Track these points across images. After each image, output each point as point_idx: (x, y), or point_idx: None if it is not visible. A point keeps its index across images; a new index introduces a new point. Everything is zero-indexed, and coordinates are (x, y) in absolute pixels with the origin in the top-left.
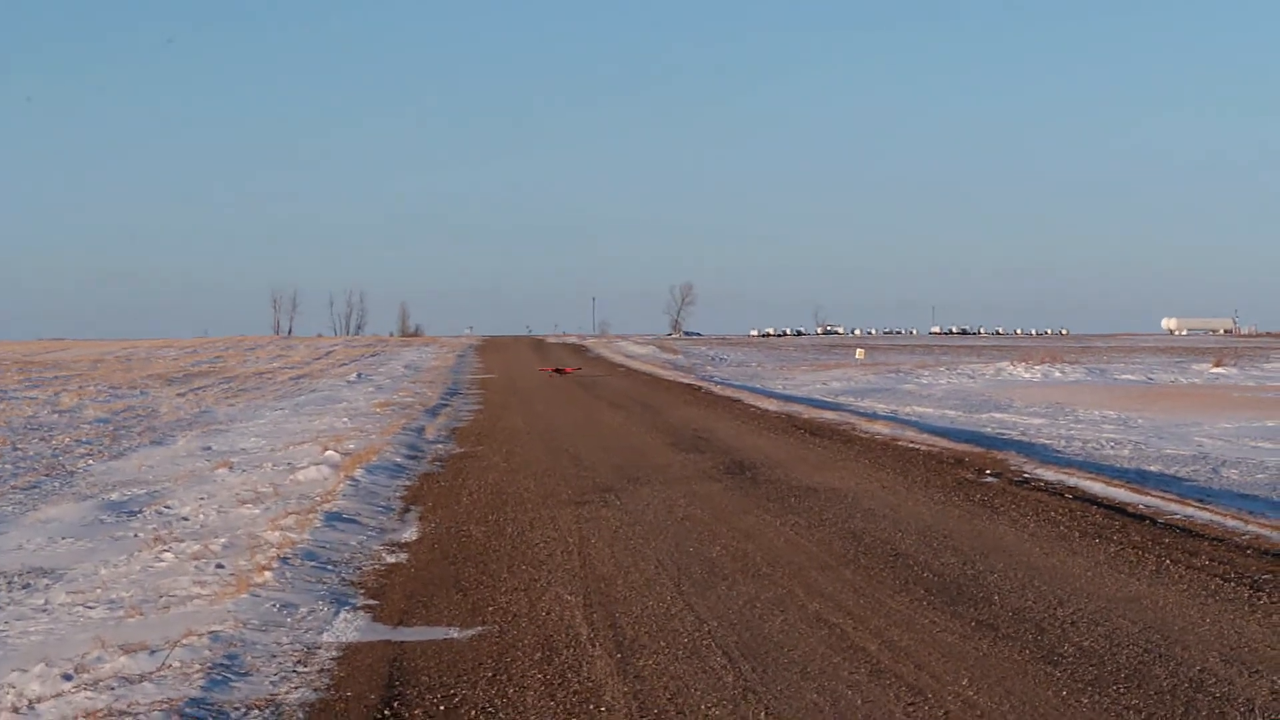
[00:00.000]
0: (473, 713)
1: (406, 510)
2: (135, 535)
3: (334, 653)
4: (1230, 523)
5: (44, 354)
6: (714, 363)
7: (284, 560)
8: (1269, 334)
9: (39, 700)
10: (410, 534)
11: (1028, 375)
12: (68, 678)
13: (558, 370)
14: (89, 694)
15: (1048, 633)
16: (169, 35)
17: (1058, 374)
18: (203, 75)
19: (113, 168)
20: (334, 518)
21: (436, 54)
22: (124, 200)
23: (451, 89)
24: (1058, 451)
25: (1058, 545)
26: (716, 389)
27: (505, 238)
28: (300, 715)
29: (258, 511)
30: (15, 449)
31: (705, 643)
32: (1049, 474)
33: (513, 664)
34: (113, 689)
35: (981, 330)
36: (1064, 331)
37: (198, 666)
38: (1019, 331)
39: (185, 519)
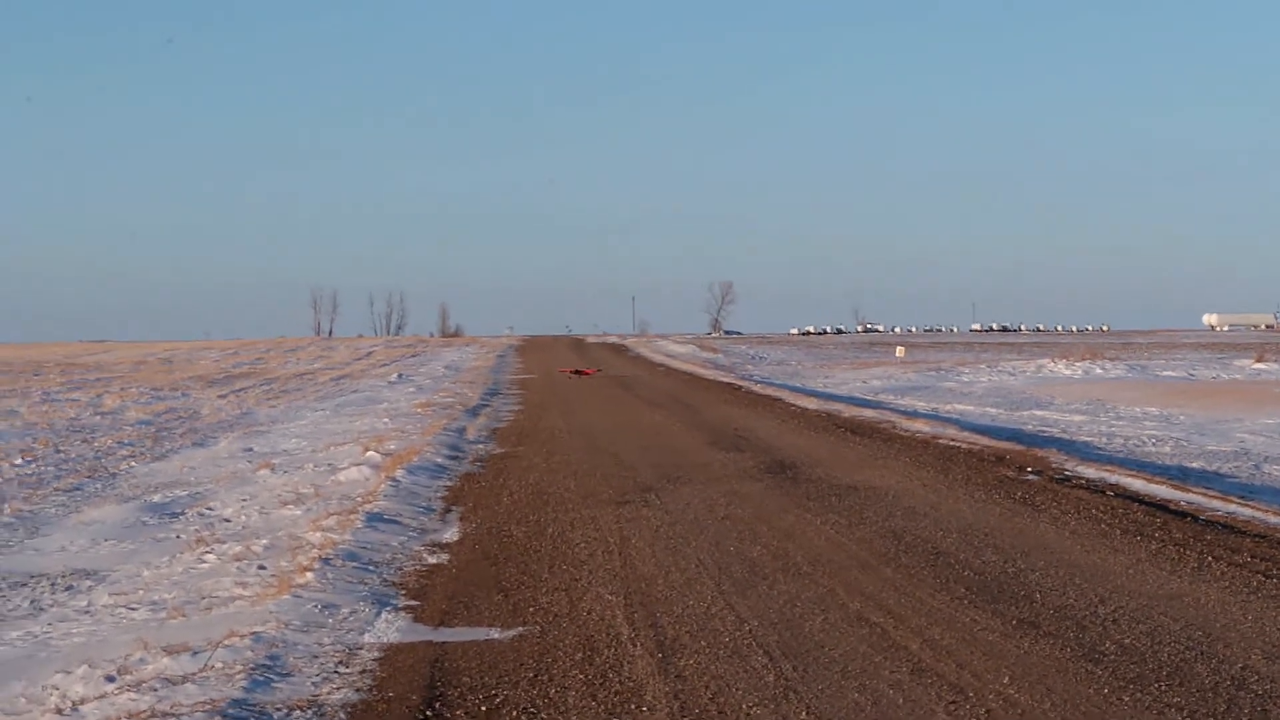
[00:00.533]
0: (514, 713)
1: (448, 510)
2: (177, 537)
3: (376, 653)
4: (1272, 519)
5: (86, 356)
6: (754, 361)
7: (325, 561)
8: None
9: (82, 701)
10: (451, 534)
11: (1068, 372)
12: (110, 679)
13: (577, 372)
14: (132, 695)
15: (1089, 630)
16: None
17: (1099, 371)
18: (243, 75)
19: (152, 170)
20: (375, 518)
21: (479, 50)
22: (164, 201)
23: (494, 87)
24: (1099, 449)
25: (1099, 543)
26: (756, 388)
27: (545, 237)
28: (342, 716)
29: (299, 512)
30: (58, 451)
31: (746, 642)
32: (1090, 471)
33: (554, 664)
34: (155, 690)
35: (1022, 327)
36: (1105, 328)
37: (240, 667)
38: (1060, 328)
39: (227, 520)
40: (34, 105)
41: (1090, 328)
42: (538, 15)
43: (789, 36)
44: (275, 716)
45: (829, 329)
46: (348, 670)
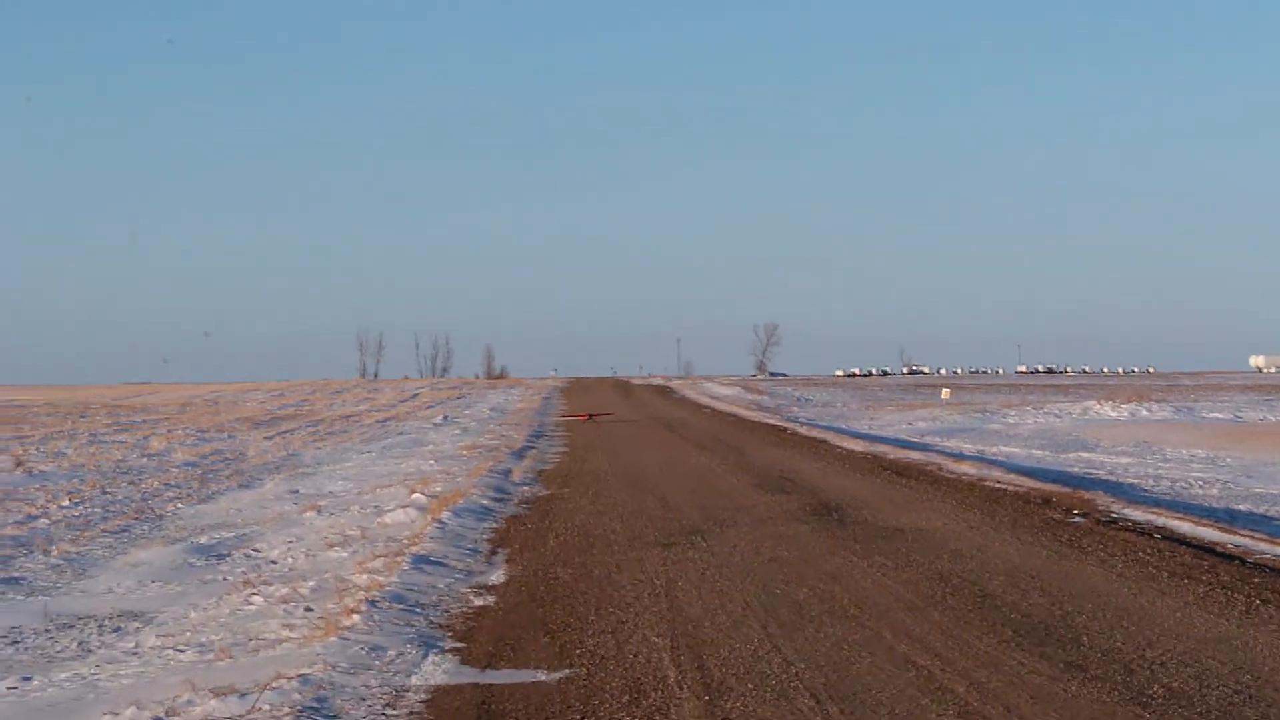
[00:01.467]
0: None
1: (494, 553)
2: (224, 578)
3: (422, 695)
4: None
5: (132, 398)
6: (799, 403)
7: (372, 603)
8: None
9: None
10: (498, 576)
11: (1115, 414)
12: None
13: (590, 416)
14: None
15: (1136, 673)
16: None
17: (1145, 412)
18: (292, 114)
19: (198, 212)
20: (421, 560)
21: (523, 96)
22: (208, 243)
23: (539, 131)
24: (1145, 491)
25: (1146, 585)
26: (802, 430)
27: (590, 280)
28: None
29: (345, 554)
30: (105, 492)
31: (793, 684)
32: (1137, 514)
33: (600, 706)
34: None
35: (1068, 369)
36: (1150, 369)
37: (287, 709)
38: (1105, 370)
39: (274, 562)
40: (92, 143)
41: (1136, 369)
42: (574, 61)
43: (834, 80)
44: None
45: (874, 370)
46: (394, 712)
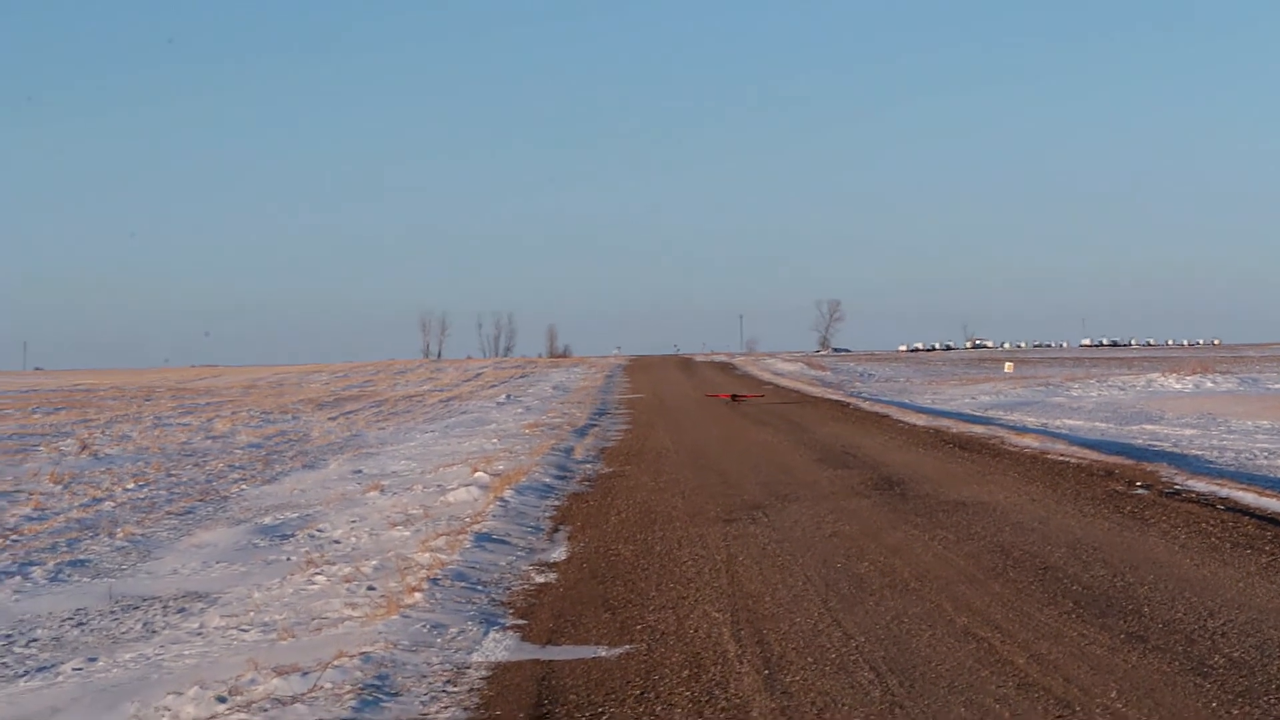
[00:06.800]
0: None
1: (555, 530)
2: (288, 558)
3: (483, 672)
4: None
5: (197, 381)
6: (862, 379)
7: (434, 581)
8: None
9: None
10: (559, 554)
11: (1179, 386)
12: (221, 700)
13: (735, 397)
14: (242, 715)
15: (1198, 644)
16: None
17: (1209, 384)
18: (357, 102)
19: (262, 197)
20: (483, 539)
21: (586, 77)
22: (274, 227)
23: (599, 111)
24: (1209, 462)
25: (1208, 556)
26: (864, 405)
27: (653, 257)
28: None
29: (408, 533)
30: (170, 475)
31: (852, 658)
32: (1200, 485)
33: (660, 682)
34: (265, 710)
35: (1133, 341)
36: (1216, 341)
37: (349, 687)
38: (1170, 342)
39: (337, 542)
40: (152, 131)
41: (1201, 341)
42: (638, 43)
43: (892, 61)
44: None
45: (938, 345)
46: (455, 689)
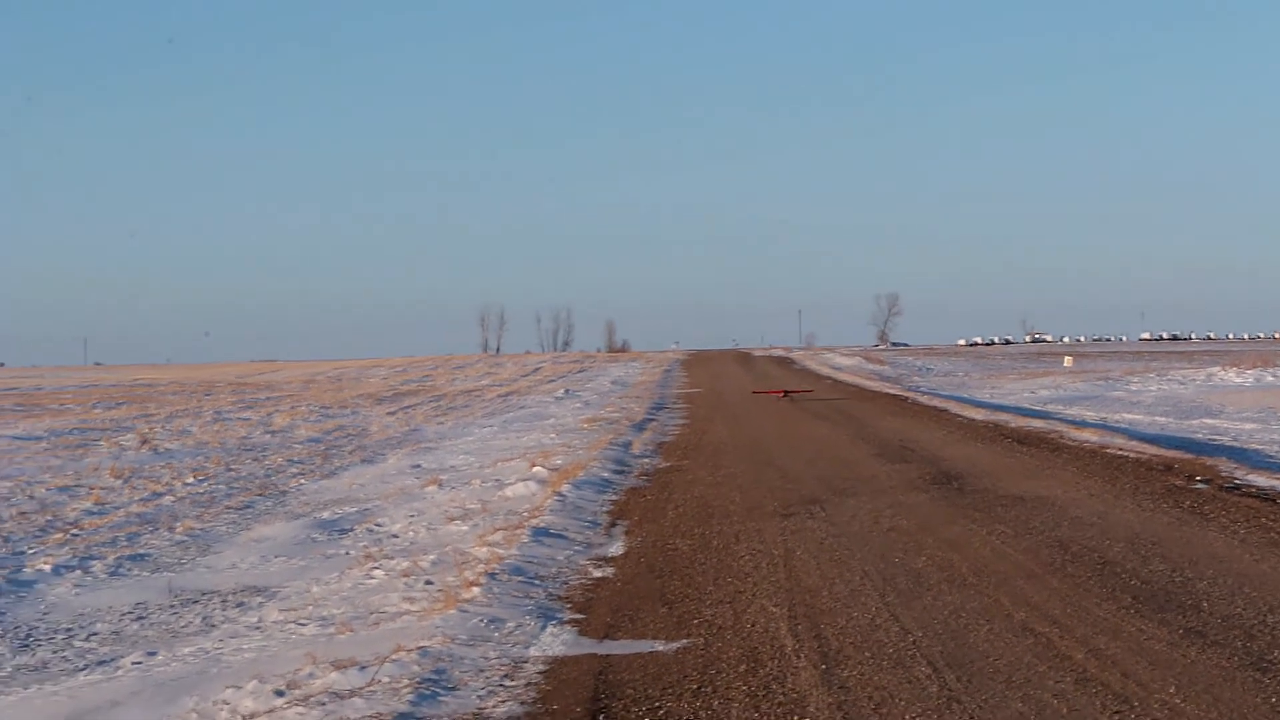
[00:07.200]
0: None
1: (613, 525)
2: (346, 553)
3: (540, 666)
4: None
5: (256, 375)
6: (920, 373)
7: (491, 576)
8: None
9: (252, 716)
10: (616, 548)
11: (1239, 380)
12: (280, 694)
13: (787, 394)
14: (300, 709)
15: (1257, 639)
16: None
17: (1270, 378)
18: (416, 93)
19: (323, 191)
20: (541, 533)
21: (645, 70)
22: (334, 222)
23: (659, 104)
24: (1270, 456)
25: (1269, 551)
26: (923, 399)
27: (711, 251)
28: None
29: (466, 528)
30: (229, 469)
31: (910, 653)
32: (1260, 479)
33: (717, 676)
34: (323, 704)
35: (1192, 335)
36: (1277, 335)
37: (406, 682)
38: (1230, 336)
39: (395, 536)
40: (208, 128)
41: (1262, 335)
42: (694, 38)
43: (950, 55)
44: None
45: (996, 339)
46: (513, 683)
